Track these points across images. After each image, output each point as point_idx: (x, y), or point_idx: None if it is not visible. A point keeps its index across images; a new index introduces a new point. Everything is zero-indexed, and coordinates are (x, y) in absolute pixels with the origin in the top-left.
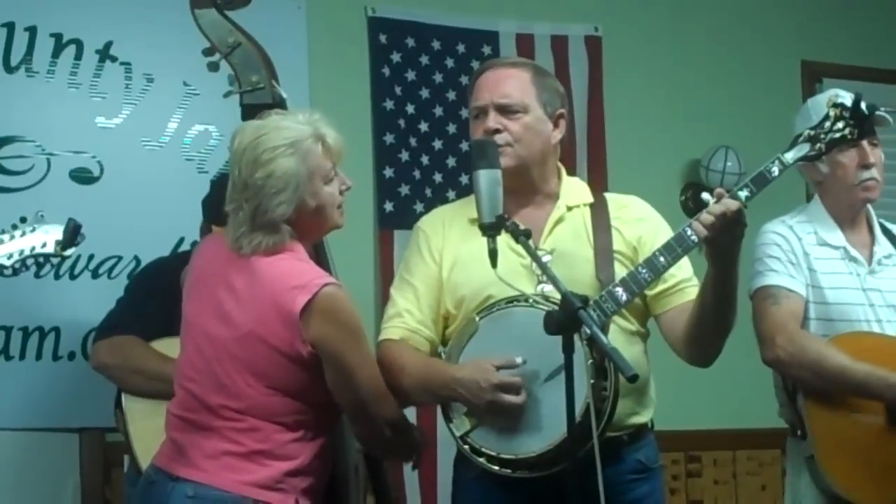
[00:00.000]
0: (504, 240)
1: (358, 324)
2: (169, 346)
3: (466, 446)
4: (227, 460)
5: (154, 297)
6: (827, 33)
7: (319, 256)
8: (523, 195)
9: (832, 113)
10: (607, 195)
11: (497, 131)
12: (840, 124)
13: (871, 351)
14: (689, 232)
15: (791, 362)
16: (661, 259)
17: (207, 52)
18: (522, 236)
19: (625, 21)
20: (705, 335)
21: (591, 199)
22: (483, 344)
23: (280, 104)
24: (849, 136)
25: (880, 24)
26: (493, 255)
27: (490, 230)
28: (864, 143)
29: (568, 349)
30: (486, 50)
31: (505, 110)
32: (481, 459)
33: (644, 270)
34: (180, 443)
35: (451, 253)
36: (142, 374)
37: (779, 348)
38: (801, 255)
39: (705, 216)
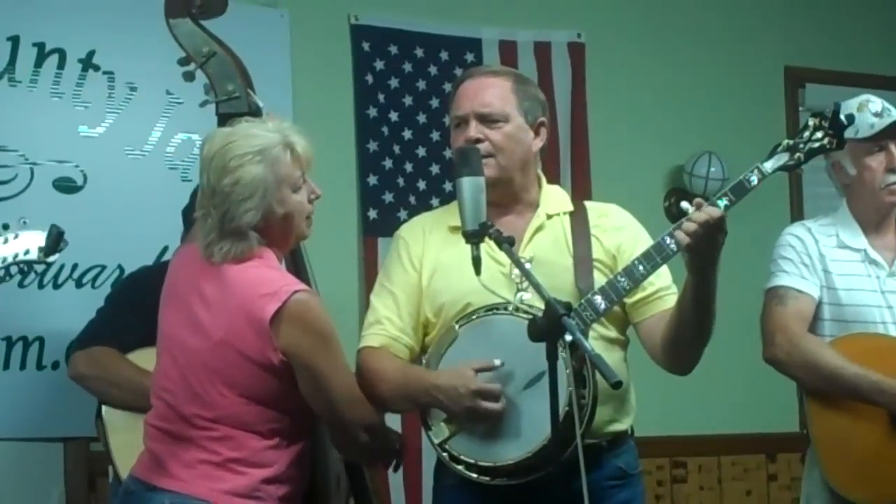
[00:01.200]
0: (483, 247)
1: (329, 330)
2: (146, 358)
3: (445, 454)
4: (203, 469)
5: (134, 309)
6: (810, 38)
7: (297, 264)
8: (503, 204)
9: (811, 122)
10: (587, 203)
11: (478, 141)
12: (819, 134)
13: (873, 352)
14: (668, 241)
15: (788, 362)
16: (640, 268)
17: (183, 62)
18: (506, 243)
19: (608, 28)
20: (684, 343)
21: (570, 208)
22: (462, 352)
23: (255, 113)
24: (827, 146)
25: (863, 29)
26: (476, 263)
27: (473, 237)
28: (893, 146)
29: (552, 356)
30: (469, 57)
31: (486, 119)
32: (459, 467)
33: (623, 279)
34: (157, 453)
35: (430, 260)
36: (118, 387)
37: (777, 348)
38: (817, 257)
39: (687, 224)
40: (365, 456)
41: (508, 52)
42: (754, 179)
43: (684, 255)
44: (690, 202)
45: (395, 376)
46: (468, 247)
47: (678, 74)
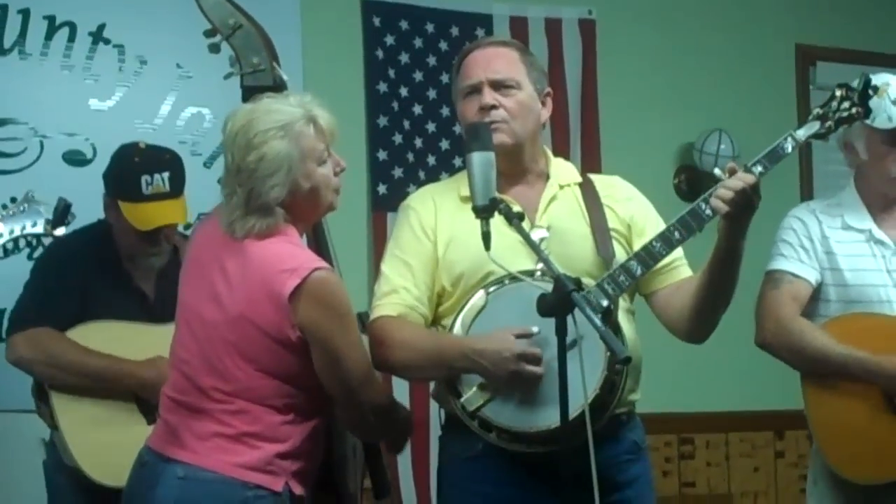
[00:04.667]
0: (499, 217)
1: (347, 309)
2: (84, 335)
3: (475, 421)
4: (217, 442)
5: (63, 283)
6: (821, 16)
7: (319, 240)
8: (514, 175)
9: (838, 93)
10: (591, 176)
11: (493, 107)
12: (846, 104)
13: (867, 332)
14: (703, 207)
15: (776, 344)
16: (676, 234)
17: (209, 34)
18: (516, 219)
19: (619, 4)
20: (708, 309)
21: (580, 179)
22: (493, 318)
23: (281, 86)
24: (855, 116)
25: (874, 6)
26: (486, 238)
27: (483, 213)
28: None
29: (561, 332)
30: (480, 33)
31: (499, 86)
32: (492, 435)
33: (658, 244)
34: (172, 424)
35: (445, 230)
36: (64, 370)
37: (766, 331)
38: (819, 239)
39: (723, 191)
40: (373, 435)
41: (519, 28)
42: (788, 147)
43: (720, 220)
44: (700, 180)
45: (425, 343)
46: None
47: (689, 52)
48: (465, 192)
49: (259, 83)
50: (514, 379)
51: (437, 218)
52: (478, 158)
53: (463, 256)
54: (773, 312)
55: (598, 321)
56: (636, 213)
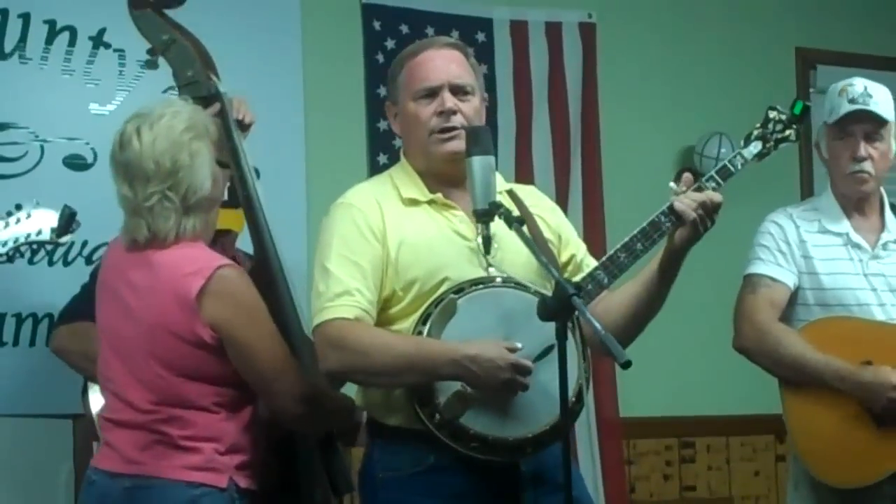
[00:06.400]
0: (447, 223)
1: (253, 302)
2: None
3: (444, 430)
4: (157, 449)
5: None
6: (821, 20)
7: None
8: (453, 181)
9: (771, 115)
10: (510, 184)
11: (453, 112)
12: (780, 126)
13: (843, 337)
14: (663, 219)
15: (754, 349)
16: (639, 245)
17: (149, 52)
18: (516, 223)
19: (619, 7)
20: (642, 323)
21: (508, 186)
22: (465, 324)
23: (216, 95)
24: (791, 139)
25: (874, 10)
26: (486, 243)
27: (484, 216)
28: (860, 135)
29: (562, 335)
30: (480, 37)
31: (459, 91)
32: (458, 445)
33: (623, 255)
34: (112, 443)
35: (394, 232)
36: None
37: (744, 337)
38: (796, 243)
39: (688, 201)
40: (305, 426)
41: (519, 32)
42: (738, 164)
43: (669, 237)
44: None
45: (406, 347)
46: (427, 219)
47: (689, 55)
48: (407, 193)
49: (195, 94)
50: (503, 388)
51: (385, 219)
52: (478, 163)
53: (415, 261)
54: (751, 317)
55: (598, 325)
56: (561, 223)
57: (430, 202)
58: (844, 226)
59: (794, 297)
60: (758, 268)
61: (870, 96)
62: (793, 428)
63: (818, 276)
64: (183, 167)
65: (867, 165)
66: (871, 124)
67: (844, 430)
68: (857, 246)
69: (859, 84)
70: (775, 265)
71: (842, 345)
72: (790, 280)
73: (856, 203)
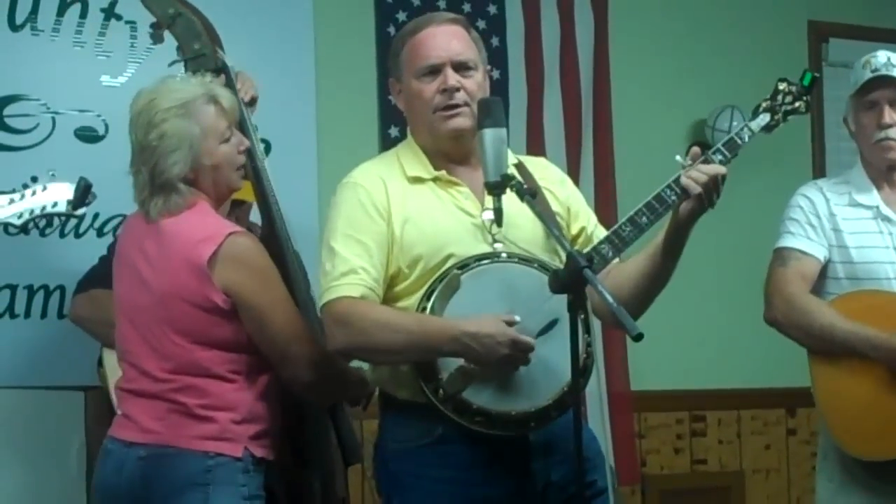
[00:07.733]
0: (451, 199)
1: (266, 267)
2: None
3: (448, 405)
4: (173, 419)
5: None
6: None
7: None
8: (460, 157)
9: (781, 87)
10: (519, 157)
11: (457, 89)
12: (789, 98)
13: (874, 309)
14: (668, 193)
15: (784, 322)
16: (644, 218)
17: (154, 26)
18: (528, 195)
19: None
20: (650, 298)
21: (516, 160)
22: (468, 300)
23: (223, 69)
24: (799, 109)
25: None
26: (498, 215)
27: (496, 189)
28: (884, 103)
29: (573, 308)
30: (492, 10)
31: (461, 68)
32: (465, 418)
33: (628, 228)
34: (129, 413)
35: (399, 210)
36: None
37: (775, 308)
38: (827, 216)
39: (696, 174)
40: (317, 394)
41: (531, 4)
42: (746, 137)
43: (674, 211)
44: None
45: (407, 325)
46: (432, 196)
47: (701, 28)
48: (412, 171)
49: (202, 67)
50: (504, 363)
51: (389, 197)
52: (490, 135)
53: (419, 238)
54: (782, 289)
55: (610, 298)
56: (570, 195)
57: (435, 179)
58: (874, 198)
59: (825, 270)
60: (788, 241)
61: (893, 65)
62: (821, 401)
63: (848, 249)
64: (148, 147)
65: (893, 132)
66: (894, 91)
67: (874, 400)
68: (886, 219)
69: (882, 55)
70: (805, 238)
71: (872, 318)
72: (820, 253)
73: (886, 174)
